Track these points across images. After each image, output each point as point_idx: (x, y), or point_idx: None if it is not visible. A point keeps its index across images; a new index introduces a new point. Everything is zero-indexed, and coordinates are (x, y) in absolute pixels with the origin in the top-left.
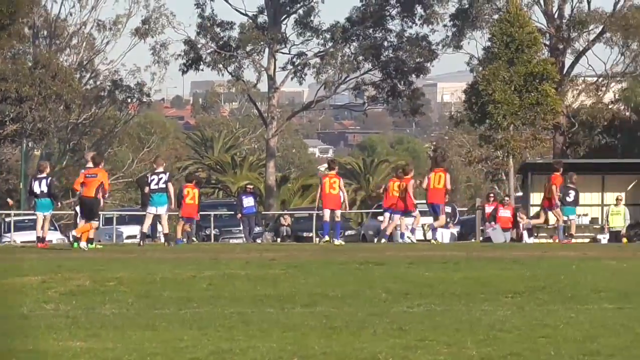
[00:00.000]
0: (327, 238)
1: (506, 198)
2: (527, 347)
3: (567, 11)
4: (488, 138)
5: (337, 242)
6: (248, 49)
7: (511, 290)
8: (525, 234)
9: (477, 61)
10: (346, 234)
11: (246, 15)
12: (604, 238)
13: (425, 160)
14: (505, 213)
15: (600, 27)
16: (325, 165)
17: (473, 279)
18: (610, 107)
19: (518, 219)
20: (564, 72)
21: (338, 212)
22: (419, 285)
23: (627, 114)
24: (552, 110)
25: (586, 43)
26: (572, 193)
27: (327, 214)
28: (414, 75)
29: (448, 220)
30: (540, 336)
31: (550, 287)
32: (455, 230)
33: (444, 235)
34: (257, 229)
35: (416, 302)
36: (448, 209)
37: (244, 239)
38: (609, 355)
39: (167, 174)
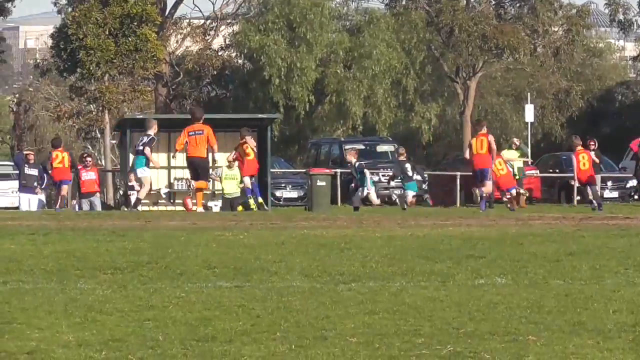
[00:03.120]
0: None
1: (88, 159)
2: (131, 332)
3: None
4: (79, 90)
5: None
6: None
7: (111, 266)
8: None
9: (66, 1)
10: None
11: None
12: (215, 206)
13: (8, 115)
14: (89, 176)
15: None
16: None
17: (66, 252)
18: (220, 54)
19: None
20: (167, 13)
21: None
22: (3, 260)
23: (240, 61)
24: (153, 58)
25: None
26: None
27: None
28: None
29: (36, 184)
30: (145, 319)
31: (156, 262)
32: (43, 196)
33: (32, 202)
34: None
35: (1, 279)
36: (35, 172)
37: None
38: (226, 341)
39: None
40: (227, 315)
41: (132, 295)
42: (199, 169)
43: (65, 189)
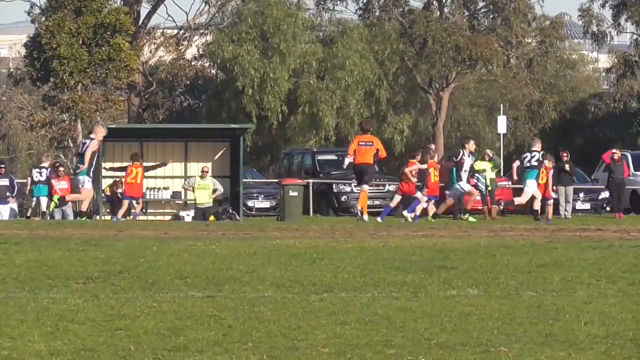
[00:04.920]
0: None
1: (60, 169)
2: (103, 341)
3: None
4: (52, 99)
5: None
6: None
7: (83, 275)
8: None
9: (40, 10)
10: None
11: None
12: (187, 215)
13: None
14: (61, 185)
15: None
16: None
17: (38, 261)
18: (193, 64)
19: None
20: (140, 23)
21: None
22: None
23: (213, 72)
24: (126, 67)
25: None
26: None
27: None
28: None
29: (8, 194)
30: (117, 328)
31: (128, 271)
32: (15, 204)
33: (4, 212)
34: None
35: None
36: (7, 182)
37: None
38: (197, 351)
39: None
40: (198, 325)
41: (104, 304)
42: (364, 172)
43: (126, 204)
